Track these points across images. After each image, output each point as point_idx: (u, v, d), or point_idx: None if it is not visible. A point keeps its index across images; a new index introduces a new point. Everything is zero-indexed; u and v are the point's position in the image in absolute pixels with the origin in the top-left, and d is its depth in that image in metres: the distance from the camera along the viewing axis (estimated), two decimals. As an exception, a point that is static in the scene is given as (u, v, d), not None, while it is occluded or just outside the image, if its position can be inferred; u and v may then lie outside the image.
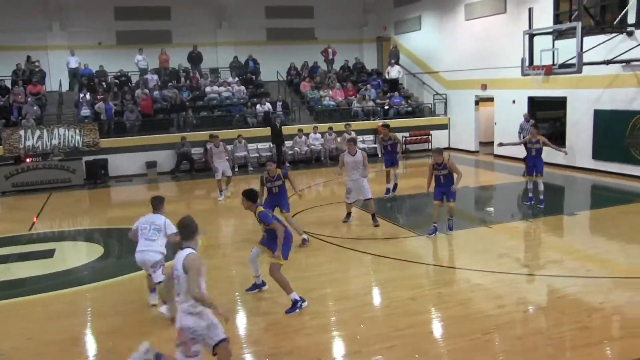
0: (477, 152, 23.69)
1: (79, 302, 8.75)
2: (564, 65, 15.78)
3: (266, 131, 22.08)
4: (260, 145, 22.30)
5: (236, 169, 21.04)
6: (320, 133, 22.57)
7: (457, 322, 7.34)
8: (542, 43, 16.68)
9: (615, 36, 16.18)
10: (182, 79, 24.96)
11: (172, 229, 7.94)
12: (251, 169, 21.48)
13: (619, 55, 16.03)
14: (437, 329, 7.38)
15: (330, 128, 22.45)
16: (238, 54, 27.13)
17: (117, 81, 24.21)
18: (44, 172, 19.02)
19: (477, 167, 21.08)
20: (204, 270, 5.42)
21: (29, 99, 21.52)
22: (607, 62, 16.10)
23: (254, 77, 26.65)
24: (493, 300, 8.00)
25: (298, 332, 7.20)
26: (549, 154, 19.02)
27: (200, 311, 5.35)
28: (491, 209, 15.10)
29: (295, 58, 27.60)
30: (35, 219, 14.69)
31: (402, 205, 15.07)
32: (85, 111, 21.48)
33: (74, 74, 24.80)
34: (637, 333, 6.90)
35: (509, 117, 20.77)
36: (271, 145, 21.95)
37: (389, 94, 25.73)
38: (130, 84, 24.23)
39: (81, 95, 22.41)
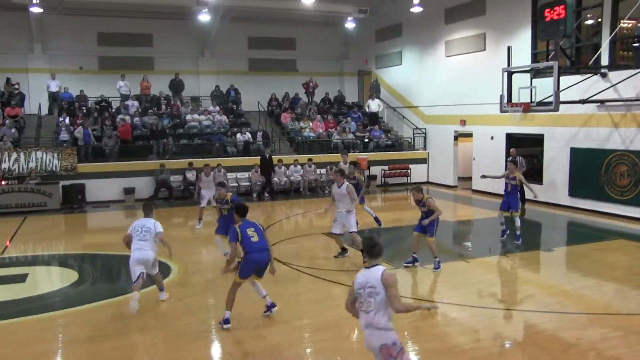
0: (456, 187, 23.90)
1: (51, 328, 8.56)
2: (541, 103, 16.07)
3: (245, 161, 22.20)
4: (240, 175, 22.27)
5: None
6: (300, 164, 22.60)
7: (434, 355, 7.32)
8: (521, 81, 16.99)
9: (590, 77, 16.60)
10: (163, 106, 24.95)
11: (160, 228, 9.33)
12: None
13: (593, 95, 16.42)
14: (414, 362, 7.35)
15: (310, 159, 22.53)
16: (219, 83, 27.26)
17: (97, 106, 24.10)
18: (19, 195, 18.77)
19: (456, 202, 21.25)
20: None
21: (7, 121, 21.30)
22: (583, 102, 16.47)
23: (234, 106, 26.73)
24: (470, 334, 8.01)
25: (274, 362, 7.12)
26: (527, 190, 19.30)
27: (392, 326, 5.36)
28: (469, 243, 15.18)
29: (276, 89, 27.78)
30: (8, 243, 14.44)
31: (379, 238, 15.08)
32: (64, 135, 21.32)
33: (54, 97, 24.67)
34: (612, 369, 6.94)
35: (487, 152, 21.07)
36: (259, 174, 21.94)
37: (369, 127, 25.95)
38: (110, 110, 24.15)
39: (60, 119, 22.26)
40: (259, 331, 8.10)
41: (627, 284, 10.57)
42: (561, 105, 15.59)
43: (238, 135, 23.65)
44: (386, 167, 24.45)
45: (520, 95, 16.69)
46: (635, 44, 15.84)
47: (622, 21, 16.32)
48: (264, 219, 15.62)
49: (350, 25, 27.75)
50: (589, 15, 17.93)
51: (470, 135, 23.01)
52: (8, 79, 24.14)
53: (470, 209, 20.20)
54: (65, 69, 25.91)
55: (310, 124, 25.46)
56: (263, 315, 8.64)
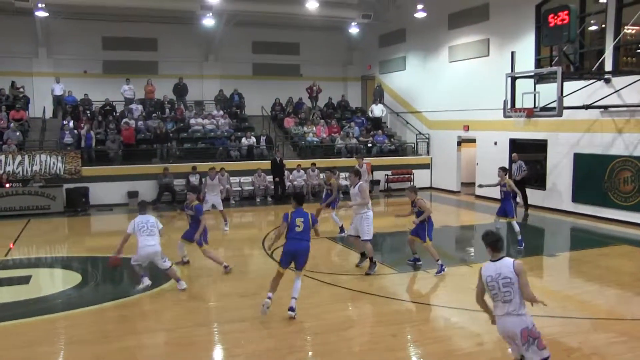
0: (459, 192, 23.89)
1: (54, 329, 8.57)
2: (545, 109, 16.08)
3: (248, 165, 22.29)
4: (243, 179, 22.31)
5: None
6: (303, 169, 22.62)
7: (437, 359, 7.31)
8: (524, 86, 17.02)
9: (593, 82, 16.60)
10: (167, 110, 25.02)
11: (160, 224, 10.11)
12: (233, 202, 21.42)
13: (597, 101, 16.41)
14: (416, 365, 7.35)
15: (313, 164, 22.55)
16: (223, 88, 27.32)
17: (102, 110, 24.17)
18: (23, 198, 18.82)
19: (459, 207, 21.23)
20: None
21: (11, 125, 21.39)
22: (587, 107, 16.46)
23: (238, 110, 26.79)
24: (472, 338, 8.00)
25: (277, 365, 7.12)
26: (531, 196, 19.34)
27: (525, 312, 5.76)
28: (472, 248, 15.15)
29: (280, 93, 27.85)
30: (12, 245, 14.47)
31: (382, 243, 15.08)
32: (68, 139, 21.40)
33: (58, 101, 24.76)
34: (615, 374, 6.92)
35: (490, 158, 21.05)
36: (263, 179, 22.04)
37: (372, 132, 25.99)
38: (115, 113, 24.22)
39: (64, 122, 22.34)
40: (261, 333, 8.11)
41: (631, 289, 10.55)
42: (565, 111, 15.60)
43: (243, 139, 23.70)
44: (389, 172, 24.46)
45: (524, 101, 16.71)
46: (640, 50, 15.87)
47: (626, 27, 16.34)
48: (266, 223, 15.61)
49: (354, 30, 27.84)
50: (592, 21, 17.95)
51: (473, 140, 23.01)
52: (13, 83, 24.24)
53: (473, 214, 20.19)
54: (69, 72, 25.98)
55: (314, 128, 25.50)
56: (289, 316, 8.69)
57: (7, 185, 18.88)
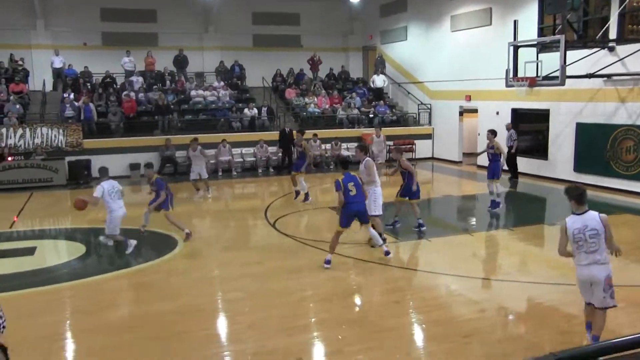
0: (461, 162, 23.87)
1: (59, 299, 8.67)
2: (547, 78, 15.98)
3: (250, 136, 22.28)
4: (245, 150, 22.30)
5: (220, 174, 21.07)
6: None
7: (438, 325, 7.39)
8: (527, 55, 16.89)
9: (597, 51, 16.45)
10: (168, 82, 24.91)
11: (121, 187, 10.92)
12: (235, 173, 21.46)
13: (600, 70, 16.29)
14: (417, 331, 7.43)
15: (315, 135, 22.49)
16: (224, 59, 27.13)
17: (102, 82, 24.08)
18: (25, 171, 18.86)
19: (461, 177, 21.25)
20: None
21: (11, 98, 21.32)
22: (590, 76, 16.34)
23: (239, 82, 26.66)
24: (473, 305, 8.08)
25: (280, 332, 7.19)
26: (532, 165, 19.39)
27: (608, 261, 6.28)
28: (473, 217, 15.21)
29: (281, 64, 27.66)
30: (15, 218, 14.54)
31: (384, 213, 15.12)
32: (69, 112, 21.35)
33: (58, 73, 24.62)
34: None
35: (492, 128, 20.92)
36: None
37: (374, 103, 25.89)
38: (115, 86, 24.12)
39: (65, 95, 22.26)
40: (264, 302, 8.19)
41: (631, 257, 10.57)
42: (567, 80, 15.50)
43: (245, 110, 23.64)
44: (391, 143, 24.34)
45: (526, 70, 16.59)
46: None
47: (632, -7, 16.14)
48: (268, 194, 15.67)
49: (354, 0, 27.53)
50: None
51: (475, 110, 22.92)
52: (11, 55, 24.09)
53: (474, 184, 20.16)
54: (68, 45, 25.77)
55: (315, 99, 25.41)
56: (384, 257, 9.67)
57: (10, 158, 18.89)
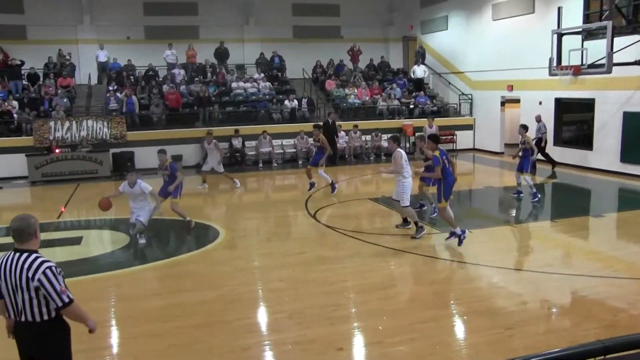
0: (502, 153, 23.52)
1: (105, 287, 8.89)
2: (593, 66, 15.61)
3: (290, 128, 22.38)
4: (285, 142, 22.40)
5: (260, 165, 21.26)
6: (344, 131, 22.55)
7: (479, 316, 7.32)
8: (571, 43, 16.51)
9: (646, 37, 15.96)
10: (209, 74, 25.19)
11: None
12: (275, 165, 21.62)
13: (650, 56, 15.81)
14: (459, 323, 7.37)
15: (355, 126, 22.48)
16: (264, 51, 27.27)
17: (145, 75, 24.48)
18: (72, 163, 19.37)
19: (502, 168, 20.91)
20: None
21: (59, 91, 21.89)
22: (639, 63, 15.85)
23: (279, 73, 26.76)
24: (515, 297, 7.97)
25: (321, 321, 7.23)
26: (577, 156, 19.01)
27: None
28: (515, 209, 14.99)
29: (321, 56, 27.66)
30: (63, 209, 14.94)
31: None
32: (113, 105, 21.81)
33: (102, 67, 25.18)
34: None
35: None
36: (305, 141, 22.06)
37: (414, 94, 25.69)
38: (157, 79, 24.50)
39: (110, 88, 22.73)
40: (304, 292, 8.24)
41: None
42: (614, 68, 15.11)
43: (286, 102, 23.74)
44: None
45: (571, 58, 16.25)
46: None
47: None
48: (309, 185, 15.71)
49: (395, -10, 27.32)
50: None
51: (517, 100, 22.53)
52: (60, 51, 24.70)
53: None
54: (113, 39, 26.30)
55: (355, 90, 25.34)
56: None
57: (57, 150, 19.41)
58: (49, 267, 4.38)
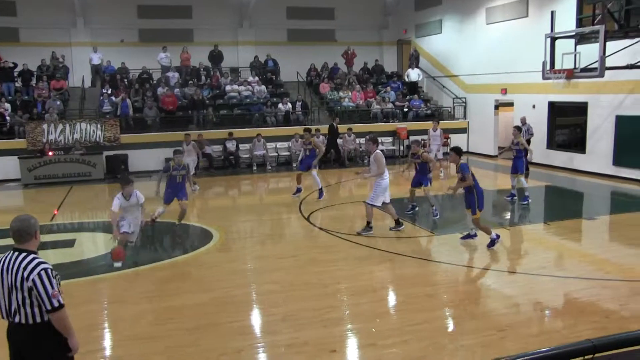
0: (496, 156, 23.58)
1: (98, 290, 8.87)
2: (585, 70, 15.68)
3: (285, 131, 22.41)
4: (279, 145, 22.41)
5: (254, 168, 21.27)
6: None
7: (472, 318, 7.34)
8: (564, 47, 16.59)
9: (639, 41, 16.03)
10: (203, 77, 25.18)
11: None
12: (269, 167, 21.62)
13: (642, 61, 15.91)
14: (451, 325, 7.39)
15: (350, 129, 22.51)
16: (258, 54, 27.28)
17: (139, 78, 24.44)
18: (65, 166, 19.32)
19: (496, 171, 21.00)
20: None
21: (52, 94, 21.83)
22: (631, 67, 15.94)
23: (273, 76, 26.77)
24: (508, 299, 8.00)
25: (314, 324, 7.23)
26: (570, 159, 19.08)
27: None
28: (508, 211, 15.02)
29: (315, 59, 27.69)
30: (56, 211, 14.89)
31: (419, 206, 15.07)
32: (107, 107, 21.76)
33: (96, 70, 25.13)
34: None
35: (529, 122, 20.64)
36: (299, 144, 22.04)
37: (408, 97, 25.74)
38: (151, 81, 24.47)
39: (103, 91, 22.69)
40: (298, 294, 8.24)
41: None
42: (607, 72, 15.19)
43: (280, 105, 23.75)
44: (426, 137, 24.19)
45: (564, 62, 16.31)
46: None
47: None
48: (303, 188, 15.72)
49: (389, -6, 27.39)
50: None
51: (511, 104, 22.62)
52: (53, 53, 24.65)
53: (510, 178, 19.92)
54: (107, 42, 26.27)
55: (350, 93, 25.38)
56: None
57: (51, 153, 19.35)
58: (45, 269, 4.36)
